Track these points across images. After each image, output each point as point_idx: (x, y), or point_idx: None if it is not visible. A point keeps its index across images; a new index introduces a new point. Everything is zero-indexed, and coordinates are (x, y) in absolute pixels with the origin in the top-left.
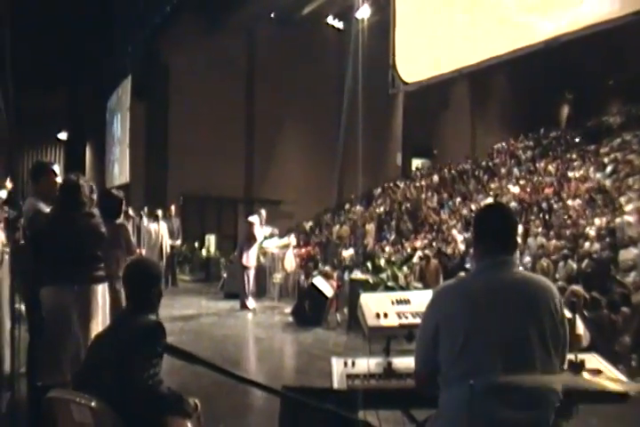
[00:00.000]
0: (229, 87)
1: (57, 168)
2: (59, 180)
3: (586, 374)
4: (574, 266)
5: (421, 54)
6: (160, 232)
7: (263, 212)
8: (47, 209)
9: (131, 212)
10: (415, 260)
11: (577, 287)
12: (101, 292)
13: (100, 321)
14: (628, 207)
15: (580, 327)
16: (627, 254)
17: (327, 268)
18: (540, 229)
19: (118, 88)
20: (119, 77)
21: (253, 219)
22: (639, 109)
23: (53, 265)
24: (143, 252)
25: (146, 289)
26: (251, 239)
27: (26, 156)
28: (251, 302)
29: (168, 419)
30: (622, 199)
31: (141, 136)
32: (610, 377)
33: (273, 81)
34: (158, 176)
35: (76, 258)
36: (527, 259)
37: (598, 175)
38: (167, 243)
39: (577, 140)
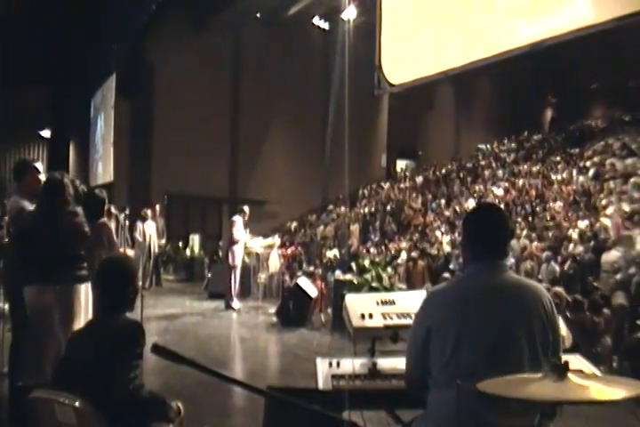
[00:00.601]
0: (215, 87)
1: (40, 166)
2: (42, 177)
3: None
4: (557, 268)
5: (407, 56)
6: (148, 232)
7: (246, 209)
8: (31, 207)
9: (113, 209)
10: (400, 261)
11: (559, 289)
12: (84, 291)
13: (82, 321)
14: (610, 210)
15: (563, 329)
16: (609, 257)
17: (311, 268)
18: (523, 232)
19: (103, 86)
20: (104, 75)
21: (236, 218)
22: (622, 113)
23: (36, 264)
24: (129, 251)
25: (123, 287)
26: (232, 239)
27: (8, 154)
28: (235, 303)
29: (150, 424)
30: (604, 202)
31: (126, 135)
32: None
33: (258, 81)
34: (142, 175)
35: (58, 257)
36: (511, 261)
37: (581, 178)
38: (155, 243)
39: (560, 143)
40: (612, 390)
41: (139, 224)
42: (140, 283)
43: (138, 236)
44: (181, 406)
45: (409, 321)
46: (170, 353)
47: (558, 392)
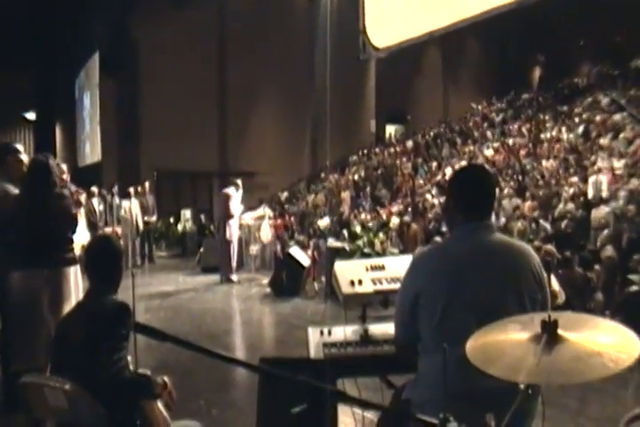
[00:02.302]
0: (200, 61)
1: (20, 147)
2: (24, 159)
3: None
4: (548, 226)
5: (391, 18)
6: (133, 210)
7: (239, 182)
8: (16, 191)
9: (94, 189)
10: (392, 226)
11: (550, 247)
12: (73, 274)
13: (72, 304)
14: (599, 166)
15: (556, 286)
16: (598, 213)
17: (303, 237)
18: (514, 191)
19: (86, 65)
20: (87, 54)
21: (230, 191)
22: (610, 69)
23: (23, 248)
24: (118, 230)
25: (112, 267)
26: (228, 212)
27: None
28: (234, 276)
29: (138, 403)
30: (594, 158)
31: (112, 113)
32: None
33: (244, 53)
34: (131, 153)
35: (46, 240)
36: (502, 220)
37: (570, 136)
38: (139, 220)
39: (549, 101)
40: (602, 362)
41: (124, 202)
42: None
43: (123, 213)
44: (167, 379)
45: (399, 286)
46: (153, 331)
47: (539, 371)
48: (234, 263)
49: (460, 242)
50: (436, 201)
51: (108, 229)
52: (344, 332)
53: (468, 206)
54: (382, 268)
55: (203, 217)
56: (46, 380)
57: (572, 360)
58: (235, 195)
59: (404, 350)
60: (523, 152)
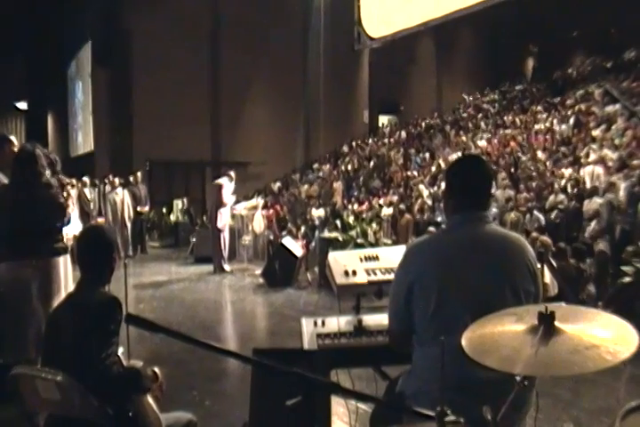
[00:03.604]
0: (193, 50)
1: (14, 139)
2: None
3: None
4: (541, 217)
5: (387, 9)
6: (124, 200)
7: (232, 173)
8: (5, 180)
9: (85, 179)
10: (384, 216)
11: (545, 238)
12: (63, 264)
13: (62, 295)
14: (592, 158)
15: (548, 277)
16: (591, 204)
17: (296, 228)
18: (507, 182)
19: (78, 54)
20: (79, 43)
21: (223, 181)
22: (602, 61)
23: (11, 238)
24: (99, 220)
25: (103, 257)
26: (221, 202)
27: None
28: (227, 265)
29: (130, 397)
30: (586, 150)
31: (104, 103)
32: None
33: (237, 42)
34: (123, 143)
35: (34, 230)
36: (494, 211)
37: (563, 127)
38: (128, 210)
39: (542, 92)
40: (599, 355)
41: (113, 192)
42: (123, 251)
43: (112, 203)
44: (158, 371)
45: (393, 276)
46: (144, 322)
47: (536, 363)
48: (226, 253)
49: (454, 232)
50: (427, 192)
51: (101, 220)
52: (338, 322)
53: (463, 197)
54: (376, 258)
55: (191, 209)
56: (38, 371)
57: (569, 353)
58: (227, 185)
59: (398, 341)
60: (516, 143)
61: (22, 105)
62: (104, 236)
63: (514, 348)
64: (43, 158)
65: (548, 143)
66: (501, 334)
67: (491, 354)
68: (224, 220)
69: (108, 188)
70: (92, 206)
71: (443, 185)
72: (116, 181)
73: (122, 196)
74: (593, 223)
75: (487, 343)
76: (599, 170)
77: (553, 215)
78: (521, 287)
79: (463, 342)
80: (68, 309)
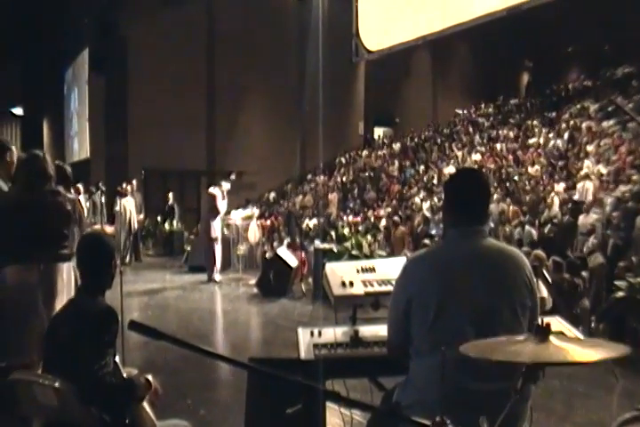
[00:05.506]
0: (189, 58)
1: (14, 148)
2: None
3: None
4: (533, 231)
5: (385, 22)
6: (128, 208)
7: (224, 184)
8: (5, 188)
9: (79, 186)
10: (380, 228)
11: (539, 252)
12: (66, 270)
13: (64, 300)
14: (587, 173)
15: (544, 291)
16: (587, 219)
17: (290, 238)
18: (501, 196)
19: (75, 61)
20: (75, 50)
21: (215, 191)
22: (598, 76)
23: (18, 244)
24: (108, 227)
25: (103, 265)
26: (214, 212)
27: None
28: (217, 275)
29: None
30: (580, 164)
31: (100, 110)
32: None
33: (234, 52)
34: (119, 150)
35: (41, 236)
36: (490, 225)
37: (558, 142)
38: (135, 218)
39: (537, 107)
40: (590, 352)
41: (118, 200)
42: (120, 259)
43: (118, 210)
44: (152, 378)
45: (390, 288)
46: (148, 329)
47: (540, 354)
48: (218, 263)
49: (451, 247)
50: (424, 204)
51: (97, 227)
52: (334, 333)
53: (460, 211)
54: (373, 270)
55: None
56: (36, 377)
57: (563, 349)
58: (219, 195)
59: (396, 353)
60: (510, 157)
61: (18, 111)
62: (104, 242)
63: (517, 346)
64: (50, 166)
65: (542, 158)
66: (503, 341)
67: (497, 351)
68: (217, 229)
69: (102, 195)
70: (85, 214)
71: (438, 198)
72: (128, 188)
73: (130, 203)
74: (591, 238)
75: (492, 345)
76: (592, 185)
77: (546, 229)
78: (518, 302)
79: (468, 350)
80: (67, 316)
